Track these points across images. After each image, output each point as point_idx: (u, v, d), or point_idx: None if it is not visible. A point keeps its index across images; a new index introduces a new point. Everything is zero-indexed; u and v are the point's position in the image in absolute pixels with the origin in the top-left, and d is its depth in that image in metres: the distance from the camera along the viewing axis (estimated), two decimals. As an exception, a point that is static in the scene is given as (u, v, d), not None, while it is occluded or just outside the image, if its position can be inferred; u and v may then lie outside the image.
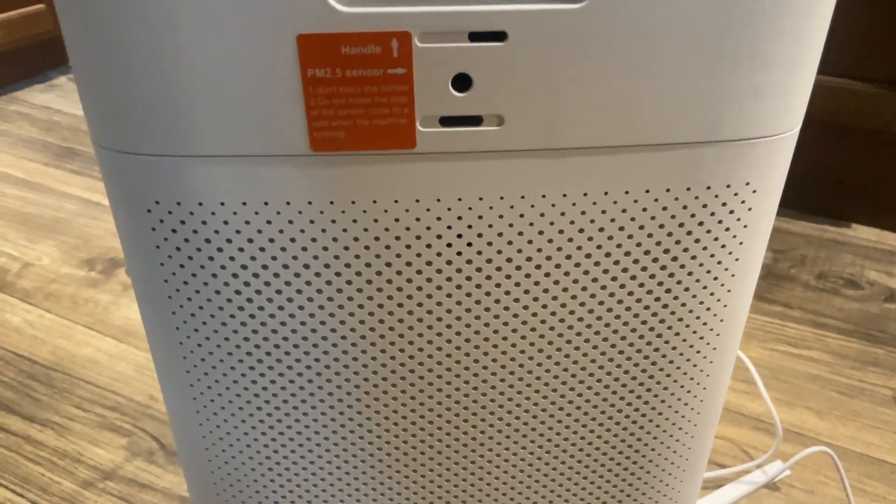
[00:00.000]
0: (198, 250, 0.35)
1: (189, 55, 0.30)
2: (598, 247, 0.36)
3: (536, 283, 0.37)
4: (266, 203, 0.34)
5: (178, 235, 0.35)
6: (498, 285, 0.37)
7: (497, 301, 0.38)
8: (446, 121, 0.32)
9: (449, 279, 0.37)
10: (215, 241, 0.35)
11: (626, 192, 0.35)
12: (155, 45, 0.29)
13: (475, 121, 0.32)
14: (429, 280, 0.37)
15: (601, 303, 0.38)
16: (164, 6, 0.29)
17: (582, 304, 0.38)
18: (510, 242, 0.36)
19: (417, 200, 0.34)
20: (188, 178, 0.33)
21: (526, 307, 0.38)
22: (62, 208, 1.08)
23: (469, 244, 0.36)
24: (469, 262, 0.36)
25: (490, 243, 0.36)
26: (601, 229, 0.36)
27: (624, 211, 0.35)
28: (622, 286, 0.38)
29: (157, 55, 0.30)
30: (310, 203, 0.34)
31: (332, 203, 0.34)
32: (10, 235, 1.01)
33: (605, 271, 0.37)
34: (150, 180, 0.33)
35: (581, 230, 0.35)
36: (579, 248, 0.36)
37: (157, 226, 0.35)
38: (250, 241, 0.35)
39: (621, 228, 0.36)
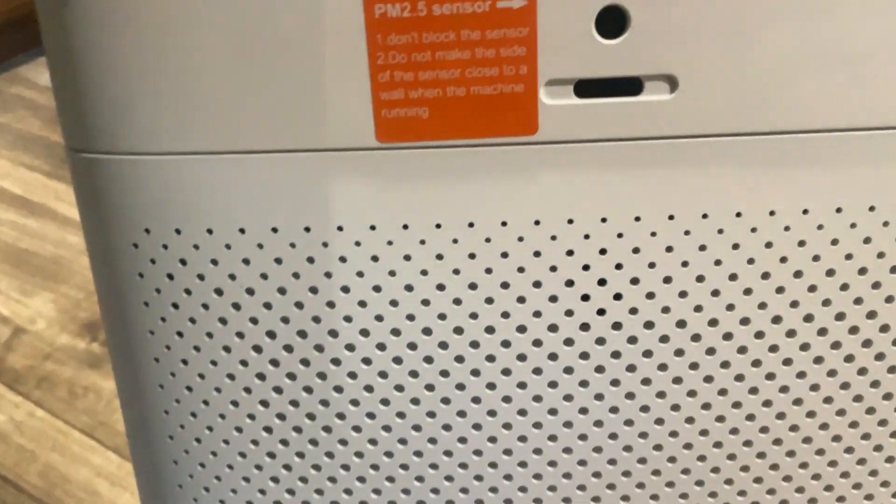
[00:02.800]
0: (205, 308, 0.23)
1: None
2: (826, 303, 0.23)
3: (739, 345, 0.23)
4: (307, 229, 0.22)
5: (175, 285, 0.23)
6: (648, 353, 0.23)
7: (632, 369, 0.24)
8: (585, 88, 0.21)
9: (569, 342, 0.23)
10: (230, 292, 0.23)
11: (872, 209, 0.22)
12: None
13: (631, 86, 0.21)
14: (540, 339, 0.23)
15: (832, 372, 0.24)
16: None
17: (801, 375, 0.24)
18: (684, 294, 0.23)
19: (537, 223, 0.22)
20: (191, 188, 0.22)
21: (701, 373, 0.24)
22: (63, 242, 0.93)
23: (618, 296, 0.23)
24: (601, 310, 0.23)
25: (651, 295, 0.23)
26: (830, 272, 0.22)
27: (867, 241, 0.22)
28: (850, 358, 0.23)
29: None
30: (372, 228, 0.22)
31: (405, 227, 0.22)
32: (2, 283, 0.89)
33: (825, 332, 0.23)
34: (136, 195, 0.22)
35: (798, 274, 0.22)
36: (794, 303, 0.23)
37: (145, 269, 0.23)
38: (282, 291, 0.23)
39: (863, 271, 0.22)
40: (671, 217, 0.22)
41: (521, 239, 0.22)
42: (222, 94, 0.21)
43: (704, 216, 0.22)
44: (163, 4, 0.20)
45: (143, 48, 0.20)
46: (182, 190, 0.22)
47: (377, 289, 0.23)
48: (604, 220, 0.22)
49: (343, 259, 0.23)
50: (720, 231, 0.22)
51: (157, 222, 0.23)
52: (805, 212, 0.22)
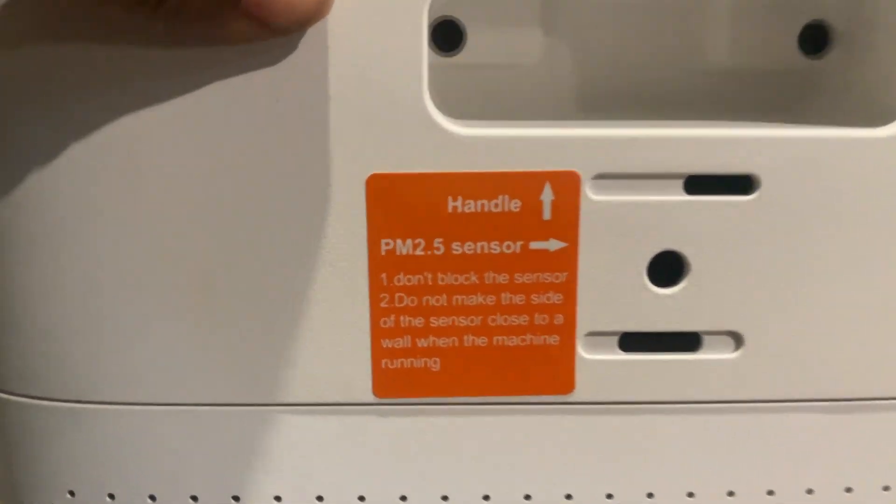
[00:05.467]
0: (138, 589, 0.18)
1: (147, 218, 0.16)
2: None
3: None
4: (278, 498, 0.18)
5: (103, 559, 0.18)
6: None
7: None
8: (632, 342, 0.17)
9: None
10: (173, 571, 0.18)
11: (965, 486, 0.18)
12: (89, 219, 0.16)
13: (687, 342, 0.17)
14: None
15: None
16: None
17: None
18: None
19: (569, 497, 0.18)
20: (133, 445, 0.17)
21: None
22: None
23: (663, 586, 0.18)
24: None
25: (705, 585, 0.18)
26: (919, 559, 0.18)
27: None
28: None
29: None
30: (361, 500, 0.18)
31: (403, 499, 0.18)
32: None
33: None
34: (63, 450, 0.18)
35: (880, 561, 0.18)
36: None
37: (65, 539, 0.18)
38: (240, 572, 0.18)
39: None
40: (731, 494, 0.18)
41: (547, 516, 0.18)
42: (179, 341, 0.16)
43: (770, 493, 0.18)
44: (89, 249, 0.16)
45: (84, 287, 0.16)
46: (127, 445, 0.17)
47: (363, 571, 0.18)
48: (650, 495, 0.18)
49: (322, 535, 0.18)
50: (789, 511, 0.18)
51: (86, 482, 0.18)
52: (886, 488, 0.18)
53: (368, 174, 0.16)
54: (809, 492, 0.18)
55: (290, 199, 0.16)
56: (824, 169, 0.16)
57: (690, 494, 0.18)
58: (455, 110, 0.17)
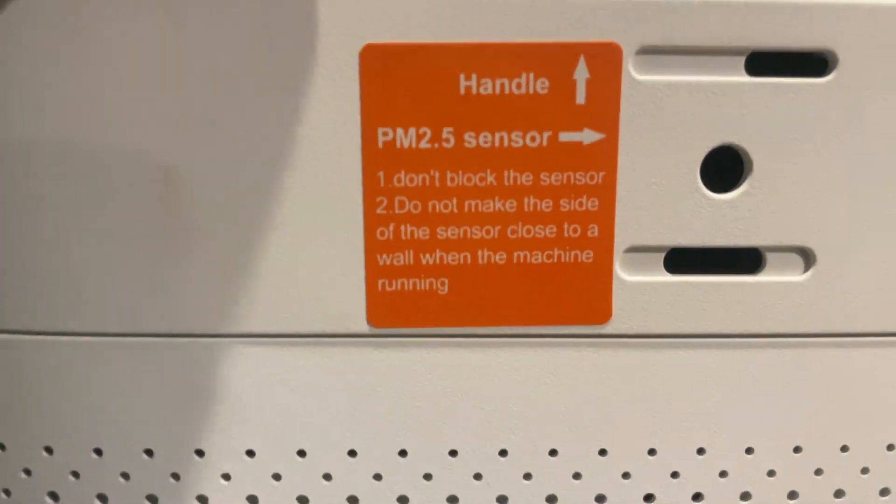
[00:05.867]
0: (80, 567, 0.15)
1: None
2: None
3: None
4: (251, 453, 0.15)
5: (38, 529, 0.15)
6: None
7: None
8: (681, 261, 0.14)
9: None
10: (123, 543, 0.15)
11: None
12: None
13: (747, 261, 0.14)
14: None
15: None
16: None
17: None
18: (810, 561, 0.15)
19: (603, 452, 0.15)
20: (72, 386, 0.14)
21: None
22: None
23: (714, 563, 0.15)
24: None
25: (765, 562, 0.15)
26: None
27: None
28: None
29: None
30: (352, 455, 0.15)
31: (403, 454, 0.15)
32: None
33: None
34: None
35: (973, 533, 0.15)
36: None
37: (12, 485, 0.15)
38: (204, 545, 0.15)
39: None
40: (797, 450, 0.15)
41: (577, 476, 0.15)
42: (130, 256, 0.13)
43: (844, 449, 0.15)
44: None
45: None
46: (65, 387, 0.14)
47: (354, 544, 0.15)
48: (701, 451, 0.15)
49: (303, 499, 0.15)
50: (864, 471, 0.15)
51: (17, 432, 0.15)
52: (980, 445, 0.15)
53: (363, 44, 0.13)
54: (891, 448, 0.15)
55: (263, 77, 0.13)
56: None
57: (749, 450, 0.15)
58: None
